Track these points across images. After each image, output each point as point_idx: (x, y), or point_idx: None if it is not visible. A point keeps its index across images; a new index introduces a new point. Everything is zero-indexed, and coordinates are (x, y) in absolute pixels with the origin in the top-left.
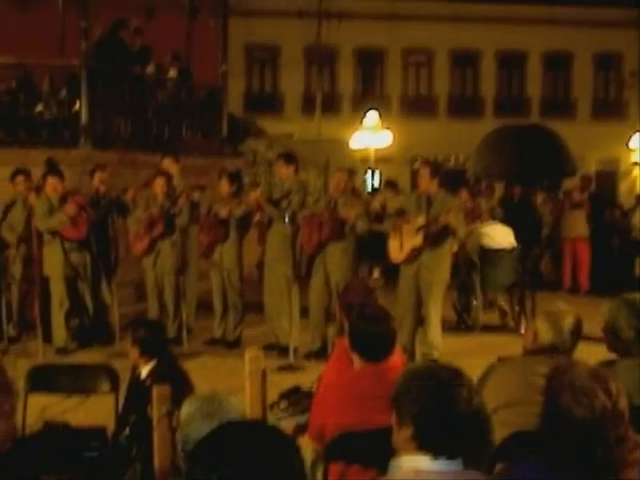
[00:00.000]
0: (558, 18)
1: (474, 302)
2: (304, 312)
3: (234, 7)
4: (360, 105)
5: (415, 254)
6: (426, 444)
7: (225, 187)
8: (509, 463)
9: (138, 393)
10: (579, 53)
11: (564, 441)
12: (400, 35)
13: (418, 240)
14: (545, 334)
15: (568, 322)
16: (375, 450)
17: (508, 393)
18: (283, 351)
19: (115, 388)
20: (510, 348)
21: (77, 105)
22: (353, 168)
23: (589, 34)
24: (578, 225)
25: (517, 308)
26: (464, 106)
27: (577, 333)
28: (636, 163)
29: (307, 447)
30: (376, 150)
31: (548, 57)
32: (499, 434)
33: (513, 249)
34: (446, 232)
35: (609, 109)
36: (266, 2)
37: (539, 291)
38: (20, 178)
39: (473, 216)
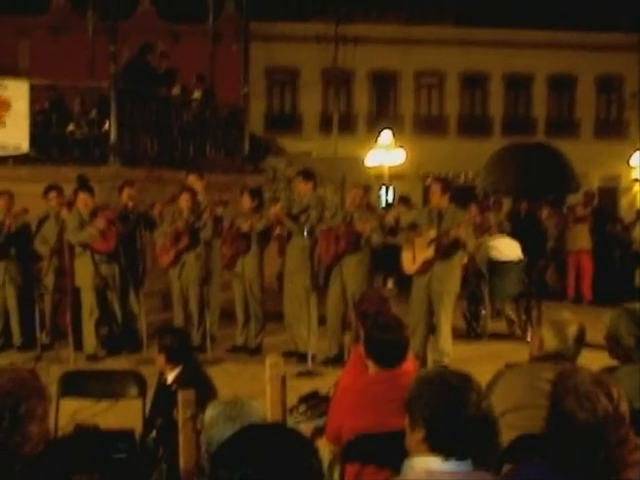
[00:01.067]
0: (561, 42)
1: (483, 311)
2: (322, 320)
3: (255, 32)
4: (375, 125)
5: (427, 266)
6: (437, 446)
7: (247, 202)
8: (516, 464)
9: (164, 398)
10: (582, 75)
11: (568, 443)
12: (412, 58)
13: (430, 252)
14: (550, 342)
15: (572, 330)
16: (389, 451)
17: (515, 398)
18: (302, 358)
19: (142, 393)
20: (517, 355)
21: (107, 125)
22: (368, 184)
23: (591, 57)
24: (581, 238)
25: (523, 317)
26: (473, 126)
27: (581, 341)
28: (636, 179)
29: (325, 448)
30: (390, 167)
31: (553, 79)
32: (506, 437)
33: (520, 261)
34: (456, 245)
35: (611, 128)
36: (285, 27)
37: (544, 301)
38: (53, 194)
39: (482, 230)
